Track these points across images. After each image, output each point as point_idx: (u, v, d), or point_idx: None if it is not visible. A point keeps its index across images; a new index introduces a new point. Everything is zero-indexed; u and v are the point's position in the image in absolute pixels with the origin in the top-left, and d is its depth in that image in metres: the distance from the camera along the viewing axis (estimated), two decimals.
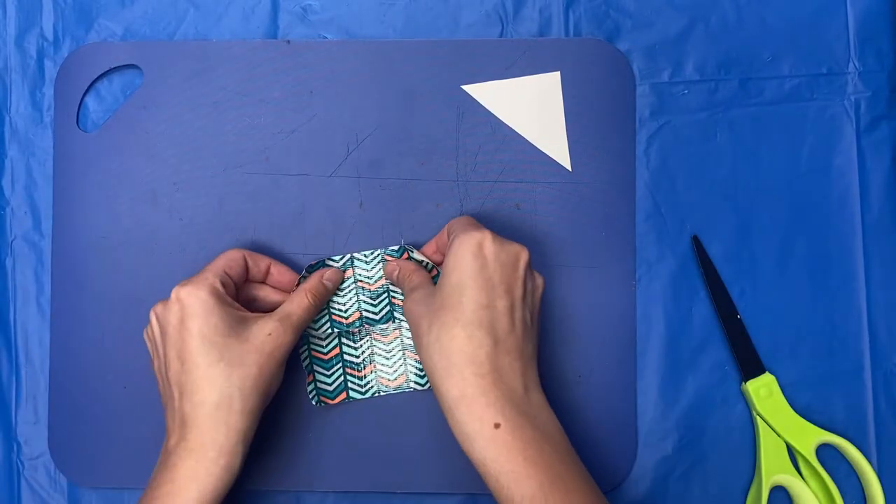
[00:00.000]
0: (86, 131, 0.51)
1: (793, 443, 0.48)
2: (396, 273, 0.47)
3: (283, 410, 0.49)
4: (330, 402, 0.49)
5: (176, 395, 0.42)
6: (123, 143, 0.51)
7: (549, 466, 0.38)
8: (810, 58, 0.51)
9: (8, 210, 0.52)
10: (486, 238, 0.41)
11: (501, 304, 0.40)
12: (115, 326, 0.50)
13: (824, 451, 0.49)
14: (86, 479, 0.50)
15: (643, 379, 0.49)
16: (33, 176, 0.52)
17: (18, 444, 0.50)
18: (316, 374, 0.49)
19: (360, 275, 0.49)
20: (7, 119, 0.52)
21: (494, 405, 0.39)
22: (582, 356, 0.49)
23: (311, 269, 0.48)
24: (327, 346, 0.49)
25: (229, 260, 0.46)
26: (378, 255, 0.49)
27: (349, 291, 0.49)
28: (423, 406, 0.49)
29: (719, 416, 0.49)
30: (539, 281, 0.44)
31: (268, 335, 0.43)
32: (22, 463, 0.50)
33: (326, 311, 0.49)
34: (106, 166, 0.51)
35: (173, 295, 0.43)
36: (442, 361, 0.40)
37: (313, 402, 0.49)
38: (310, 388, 0.49)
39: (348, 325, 0.49)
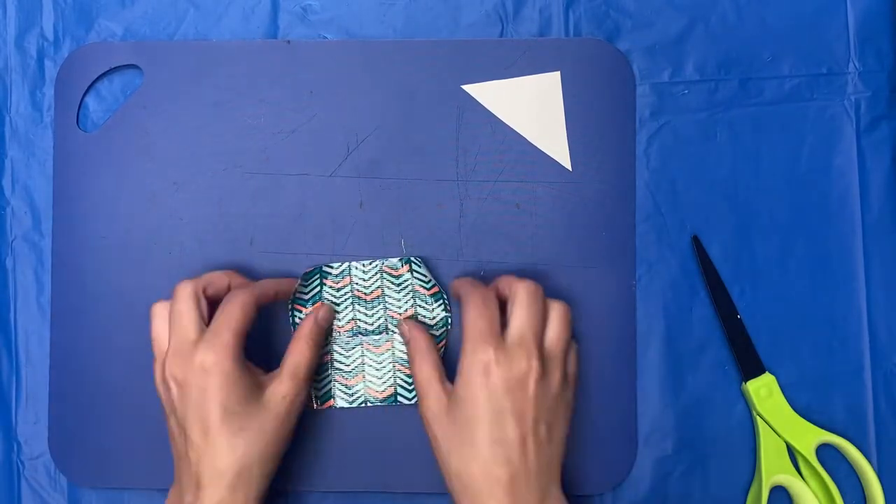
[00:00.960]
0: (86, 131, 0.51)
1: (793, 443, 0.48)
2: (407, 337, 0.47)
3: None
4: (316, 407, 0.49)
5: (193, 457, 0.42)
6: (123, 143, 0.51)
7: None
8: (810, 58, 0.51)
9: (8, 210, 0.52)
10: (491, 361, 0.41)
11: (513, 434, 0.41)
12: (115, 326, 0.50)
13: (824, 451, 0.49)
14: (86, 479, 0.50)
15: (643, 379, 0.49)
16: (33, 176, 0.52)
17: (18, 444, 0.50)
18: None
19: (356, 284, 0.49)
20: (7, 119, 0.52)
21: None
22: (582, 356, 0.49)
23: (308, 276, 0.48)
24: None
25: (247, 315, 0.44)
26: (377, 266, 0.49)
27: (345, 299, 0.49)
28: None
29: (719, 416, 0.49)
30: (572, 358, 0.45)
31: (282, 398, 0.43)
32: (22, 463, 0.50)
33: None
34: (106, 166, 0.51)
35: (197, 361, 0.42)
36: (465, 493, 0.41)
37: None
38: None
39: (342, 334, 0.49)
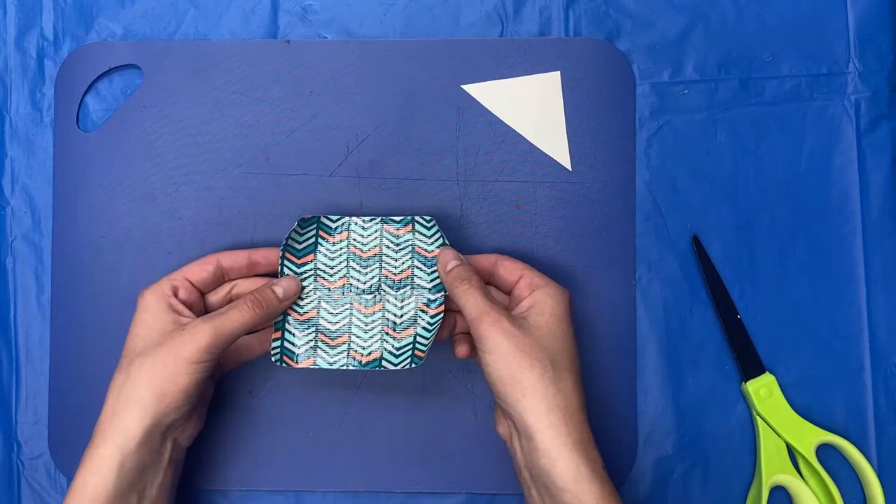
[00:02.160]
0: (86, 131, 0.51)
1: (793, 443, 0.48)
2: (456, 268, 0.45)
3: (282, 411, 0.49)
4: (293, 364, 0.46)
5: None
6: (123, 143, 0.51)
7: None
8: (810, 58, 0.51)
9: (8, 210, 0.51)
10: (568, 298, 0.44)
11: (576, 355, 0.43)
12: (115, 326, 0.50)
13: (824, 451, 0.49)
14: None
15: (643, 379, 0.49)
16: (33, 176, 0.52)
17: (18, 444, 0.50)
18: (286, 332, 0.46)
19: (354, 240, 0.48)
20: (7, 119, 0.52)
21: (596, 452, 0.41)
22: (582, 356, 0.48)
23: (305, 224, 0.47)
24: (305, 305, 0.47)
25: (194, 268, 0.46)
26: (377, 221, 0.48)
27: (340, 255, 0.48)
28: (424, 406, 0.49)
29: (719, 416, 0.49)
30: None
31: (182, 330, 0.43)
32: (22, 463, 0.50)
33: (313, 270, 0.47)
34: (106, 166, 0.51)
35: (137, 296, 0.45)
36: (562, 403, 0.41)
37: (274, 361, 0.46)
38: (274, 346, 0.46)
39: (332, 290, 0.47)
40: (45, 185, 0.51)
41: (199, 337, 0.42)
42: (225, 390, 0.49)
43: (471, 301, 0.43)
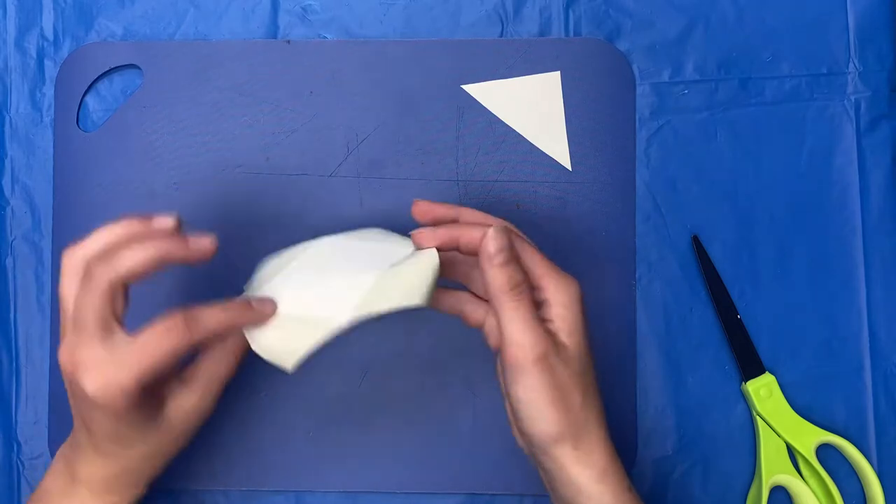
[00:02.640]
0: (86, 131, 0.51)
1: (793, 443, 0.48)
2: (507, 266, 0.38)
3: (282, 411, 0.49)
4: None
5: (80, 440, 0.41)
6: (123, 143, 0.51)
7: None
8: (810, 58, 0.51)
9: (8, 210, 0.51)
10: (580, 292, 0.39)
11: (594, 367, 0.40)
12: None
13: (824, 451, 0.49)
14: None
15: (643, 379, 0.49)
16: (33, 176, 0.52)
17: (18, 444, 0.50)
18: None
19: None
20: (7, 119, 0.52)
21: (621, 472, 0.39)
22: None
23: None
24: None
25: (169, 352, 0.36)
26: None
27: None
28: (424, 406, 0.49)
29: (719, 416, 0.49)
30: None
31: (188, 412, 0.39)
32: (22, 463, 0.50)
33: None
34: (106, 166, 0.51)
35: (88, 386, 0.36)
36: (583, 434, 0.38)
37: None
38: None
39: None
40: (45, 185, 0.51)
41: (133, 368, 0.36)
42: (225, 390, 0.49)
43: (521, 325, 0.37)
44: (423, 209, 0.41)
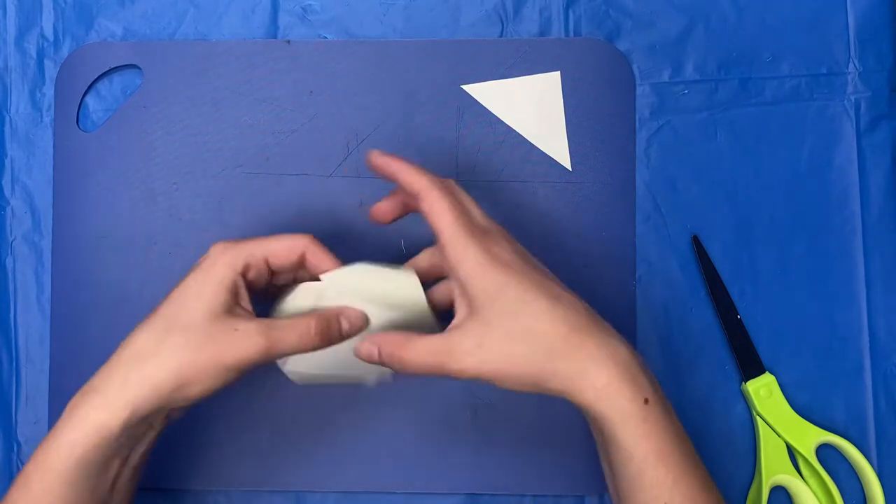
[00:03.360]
0: (86, 131, 0.51)
1: (793, 443, 0.48)
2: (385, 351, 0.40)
3: (282, 410, 0.49)
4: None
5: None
6: (123, 143, 0.51)
7: (688, 447, 0.39)
8: (810, 58, 0.51)
9: (8, 210, 0.52)
10: (489, 244, 0.39)
11: (560, 291, 0.40)
12: (115, 326, 0.49)
13: (824, 451, 0.49)
14: None
15: None
16: (33, 176, 0.52)
17: (18, 444, 0.50)
18: None
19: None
20: (7, 119, 0.52)
21: (633, 380, 0.38)
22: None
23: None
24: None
25: (280, 250, 0.41)
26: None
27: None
28: (424, 406, 0.49)
29: (719, 416, 0.49)
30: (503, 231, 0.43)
31: (234, 331, 0.39)
32: (22, 463, 0.50)
33: None
34: (106, 166, 0.51)
35: (212, 248, 0.41)
36: (562, 366, 0.38)
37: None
38: None
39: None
40: (45, 185, 0.51)
41: (250, 348, 0.38)
42: (225, 390, 0.49)
43: (421, 363, 0.39)
44: (378, 163, 0.43)
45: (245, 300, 0.41)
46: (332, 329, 0.40)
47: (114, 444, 0.38)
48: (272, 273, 0.42)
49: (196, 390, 0.38)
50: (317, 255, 0.42)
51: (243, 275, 0.41)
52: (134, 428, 0.39)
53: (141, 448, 0.41)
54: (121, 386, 0.38)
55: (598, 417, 0.38)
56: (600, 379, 0.37)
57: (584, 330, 0.39)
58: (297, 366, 0.42)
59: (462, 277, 0.39)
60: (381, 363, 0.40)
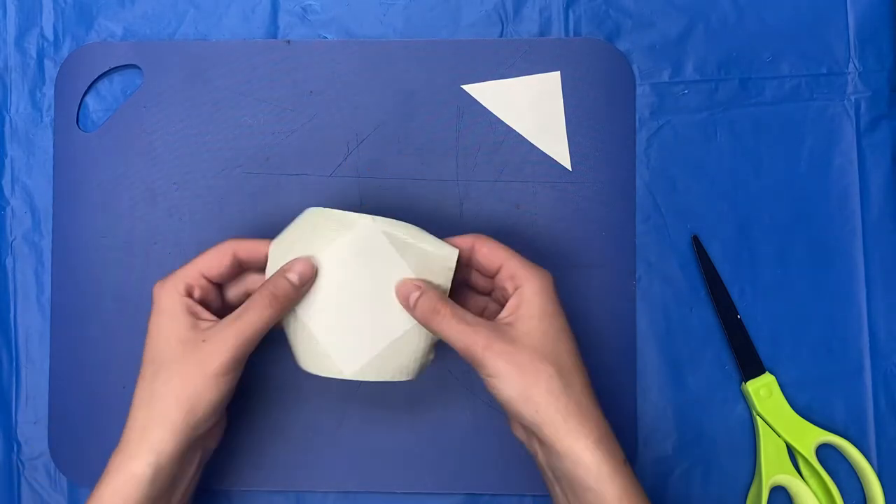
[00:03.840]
0: (86, 131, 0.51)
1: (793, 443, 0.48)
2: (419, 300, 0.42)
3: (281, 410, 0.49)
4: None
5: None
6: (123, 143, 0.51)
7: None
8: (810, 58, 0.51)
9: (8, 210, 0.52)
10: (551, 280, 0.43)
11: (574, 345, 0.42)
12: (115, 326, 0.50)
13: (824, 451, 0.49)
14: (86, 479, 0.50)
15: (643, 379, 0.49)
16: (33, 176, 0.52)
17: (18, 444, 0.50)
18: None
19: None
20: (7, 119, 0.52)
21: (616, 445, 0.41)
22: (582, 356, 0.48)
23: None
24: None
25: (210, 261, 0.43)
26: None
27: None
28: (424, 406, 0.49)
29: (719, 416, 0.49)
30: None
31: (202, 342, 0.41)
32: (22, 463, 0.50)
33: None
34: (106, 166, 0.51)
35: (152, 290, 0.43)
36: (576, 408, 0.40)
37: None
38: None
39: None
40: (45, 185, 0.51)
41: (224, 349, 0.41)
42: None
43: (452, 333, 0.41)
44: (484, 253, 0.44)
45: (205, 314, 0.43)
46: (281, 288, 0.42)
47: (148, 489, 0.40)
48: (218, 286, 0.44)
49: (204, 409, 0.41)
50: (245, 246, 0.44)
51: (189, 295, 0.43)
52: (169, 470, 0.41)
53: (182, 486, 0.43)
54: (140, 436, 0.41)
55: (576, 466, 0.39)
56: (593, 433, 0.40)
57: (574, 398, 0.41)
58: (348, 366, 0.43)
59: (526, 298, 0.42)
60: (415, 306, 0.42)
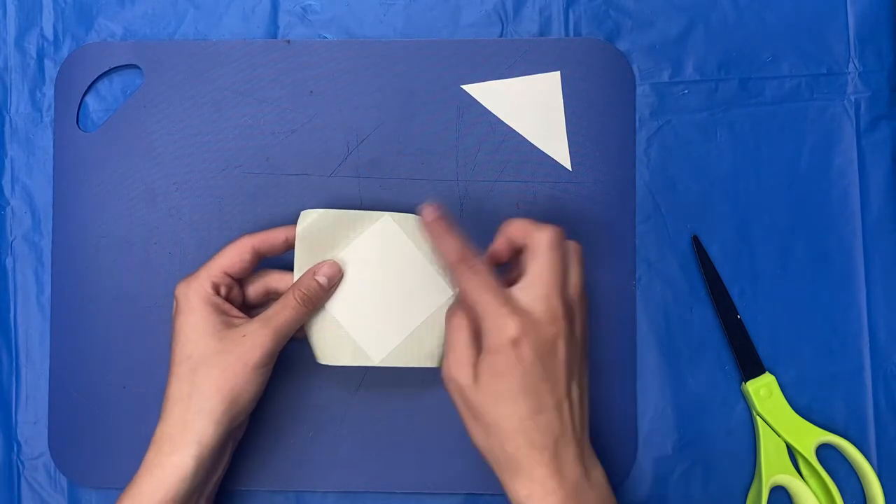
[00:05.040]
0: (86, 131, 0.51)
1: (793, 443, 0.48)
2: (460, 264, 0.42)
3: (282, 410, 0.49)
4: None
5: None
6: (123, 143, 0.51)
7: None
8: (810, 58, 0.51)
9: (8, 210, 0.52)
10: (522, 336, 0.39)
11: (550, 402, 0.40)
12: (115, 326, 0.50)
13: (824, 451, 0.49)
14: (86, 479, 0.50)
15: (643, 379, 0.49)
16: (33, 176, 0.52)
17: (18, 444, 0.51)
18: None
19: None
20: (7, 119, 0.52)
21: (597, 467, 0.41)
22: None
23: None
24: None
25: (231, 258, 0.45)
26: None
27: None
28: (424, 405, 0.49)
29: (719, 416, 0.49)
30: (584, 306, 0.43)
31: (242, 336, 0.43)
32: (22, 463, 0.50)
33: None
34: (106, 166, 0.51)
35: (175, 291, 0.44)
36: (507, 465, 0.40)
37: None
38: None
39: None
40: (45, 185, 0.51)
41: (263, 342, 0.43)
42: None
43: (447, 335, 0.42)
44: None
45: (234, 311, 0.45)
46: (311, 290, 0.44)
47: (191, 481, 0.41)
48: (240, 283, 0.46)
49: (245, 399, 0.43)
50: (261, 237, 0.45)
51: (217, 293, 0.44)
52: (210, 462, 0.42)
53: (215, 477, 0.45)
54: (181, 430, 0.42)
55: None
56: (521, 490, 0.40)
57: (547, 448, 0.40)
58: (376, 353, 0.46)
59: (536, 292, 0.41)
60: (435, 233, 0.43)
